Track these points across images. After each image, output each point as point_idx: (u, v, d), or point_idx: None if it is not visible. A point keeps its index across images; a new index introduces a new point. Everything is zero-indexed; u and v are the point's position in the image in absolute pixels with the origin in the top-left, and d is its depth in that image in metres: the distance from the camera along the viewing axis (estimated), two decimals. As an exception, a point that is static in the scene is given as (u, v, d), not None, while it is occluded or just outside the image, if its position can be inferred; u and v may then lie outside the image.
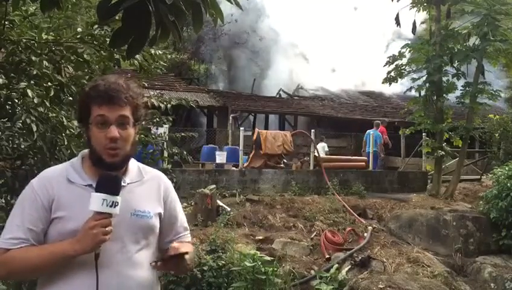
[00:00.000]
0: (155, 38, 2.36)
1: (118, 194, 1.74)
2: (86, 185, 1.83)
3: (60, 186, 1.83)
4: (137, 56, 4.77)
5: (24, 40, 4.04)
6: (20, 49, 4.04)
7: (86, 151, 1.93)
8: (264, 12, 24.16)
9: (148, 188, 1.97)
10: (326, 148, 15.99)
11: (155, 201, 1.98)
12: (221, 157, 12.51)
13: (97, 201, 1.71)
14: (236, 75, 25.08)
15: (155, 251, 1.97)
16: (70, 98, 4.58)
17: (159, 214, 1.97)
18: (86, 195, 1.76)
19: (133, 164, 1.98)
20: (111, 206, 1.72)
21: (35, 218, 1.79)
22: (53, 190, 1.82)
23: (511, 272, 8.68)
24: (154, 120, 5.69)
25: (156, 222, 1.94)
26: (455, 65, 12.46)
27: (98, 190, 1.73)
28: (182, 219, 2.10)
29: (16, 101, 3.89)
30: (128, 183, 1.90)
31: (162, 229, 1.99)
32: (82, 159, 1.92)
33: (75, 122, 4.16)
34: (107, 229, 1.72)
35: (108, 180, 1.76)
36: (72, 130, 4.15)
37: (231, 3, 2.36)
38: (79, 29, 4.47)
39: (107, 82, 1.85)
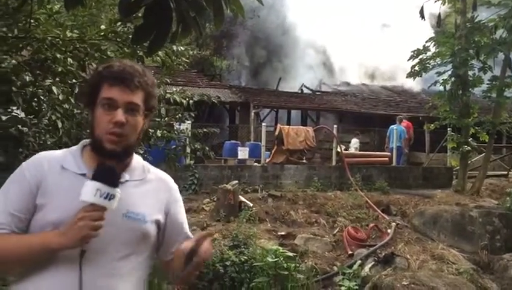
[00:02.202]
0: (176, 34, 2.38)
1: (116, 186, 1.53)
2: (79, 174, 1.63)
3: (52, 170, 1.63)
4: (159, 53, 4.82)
5: (49, 38, 4.10)
6: (46, 46, 4.10)
7: (88, 140, 1.74)
8: (286, 7, 24.08)
9: (149, 190, 1.76)
10: (357, 145, 15.97)
11: (155, 206, 1.75)
12: (243, 153, 12.54)
13: (90, 190, 1.48)
14: (258, 70, 25.09)
15: (146, 261, 1.75)
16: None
17: (157, 222, 1.74)
18: (77, 185, 1.54)
19: (137, 161, 1.80)
20: (105, 198, 1.49)
21: (21, 202, 1.58)
22: (43, 173, 1.62)
23: (539, 269, 8.46)
24: (177, 116, 5.75)
25: (150, 229, 1.71)
26: (481, 59, 12.21)
27: (94, 178, 1.51)
28: (186, 228, 1.86)
29: (42, 98, 3.96)
30: (127, 181, 1.69)
31: (164, 240, 1.79)
32: (83, 147, 1.72)
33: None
34: (96, 223, 1.49)
35: (107, 169, 1.54)
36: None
37: (251, -2, 2.37)
38: (102, 27, 4.52)
39: (122, 64, 1.68)
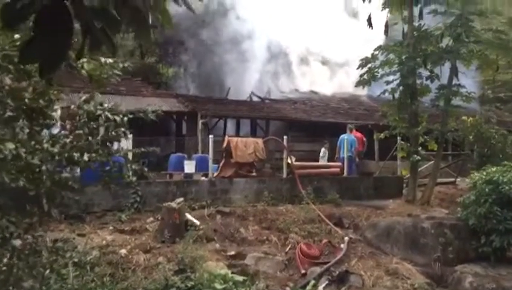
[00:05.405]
0: (82, 49, 1.83)
1: None
2: None
3: None
4: (85, 65, 4.22)
5: None
6: None
7: None
8: (233, 11, 23.66)
9: None
10: (325, 155, 15.80)
11: None
12: (190, 166, 11.89)
13: None
14: (206, 78, 24.44)
15: None
16: (10, 114, 3.97)
17: None
18: None
19: None
20: None
21: None
22: None
23: (492, 281, 8.38)
24: (111, 134, 5.13)
25: None
26: (429, 67, 12.21)
27: None
28: None
29: None
30: None
31: None
32: None
33: (9, 145, 3.58)
34: None
35: None
36: (5, 152, 3.55)
37: (179, 5, 1.86)
38: (17, 36, 3.86)
39: None
